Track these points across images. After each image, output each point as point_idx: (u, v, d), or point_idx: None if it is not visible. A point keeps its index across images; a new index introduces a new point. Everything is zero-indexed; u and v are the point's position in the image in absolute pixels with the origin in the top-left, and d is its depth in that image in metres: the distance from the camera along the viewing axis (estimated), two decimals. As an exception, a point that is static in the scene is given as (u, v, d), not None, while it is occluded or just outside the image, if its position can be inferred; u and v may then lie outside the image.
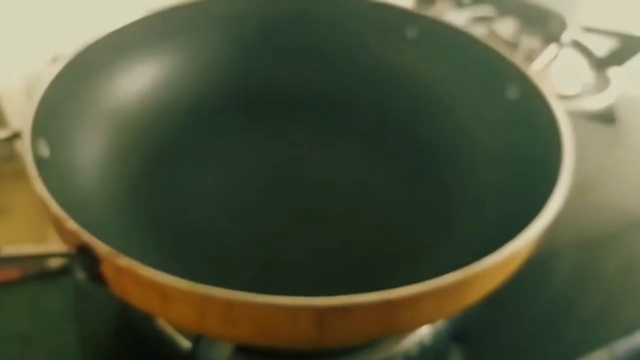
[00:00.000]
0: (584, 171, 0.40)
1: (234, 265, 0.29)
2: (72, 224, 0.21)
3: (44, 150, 0.26)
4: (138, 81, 0.35)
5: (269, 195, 0.33)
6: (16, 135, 0.28)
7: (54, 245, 0.32)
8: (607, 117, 0.48)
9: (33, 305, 0.31)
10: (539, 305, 0.32)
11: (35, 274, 0.32)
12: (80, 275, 0.21)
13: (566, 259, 0.36)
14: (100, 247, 0.20)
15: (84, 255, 0.21)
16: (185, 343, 0.27)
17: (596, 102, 0.48)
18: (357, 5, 0.38)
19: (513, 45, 0.47)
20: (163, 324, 0.28)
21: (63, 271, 0.32)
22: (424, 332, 0.29)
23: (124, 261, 0.20)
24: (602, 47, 0.51)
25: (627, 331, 0.31)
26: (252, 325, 0.20)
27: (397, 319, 0.20)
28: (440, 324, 0.30)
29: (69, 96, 0.30)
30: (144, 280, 0.20)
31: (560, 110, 0.28)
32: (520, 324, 0.31)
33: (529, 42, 0.47)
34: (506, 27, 0.50)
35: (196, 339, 0.26)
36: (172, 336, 0.28)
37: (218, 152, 0.35)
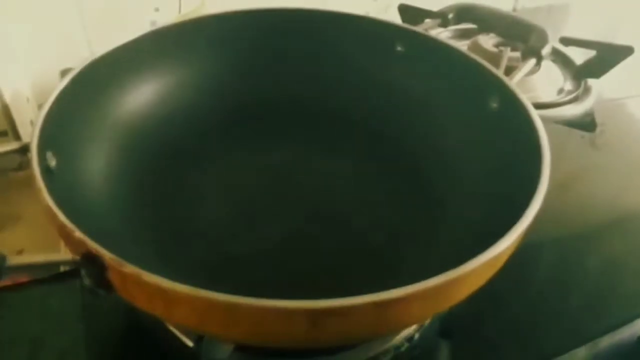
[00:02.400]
0: (565, 172, 0.41)
1: (233, 269, 0.29)
2: (78, 234, 0.21)
3: (51, 162, 0.26)
4: (142, 94, 0.35)
5: (265, 202, 0.33)
6: (26, 148, 0.28)
7: (61, 253, 0.32)
8: (586, 123, 0.48)
9: (43, 307, 0.31)
10: (523, 302, 0.32)
11: (45, 278, 0.32)
12: (88, 281, 0.21)
13: (549, 256, 0.36)
14: (106, 255, 0.20)
15: (91, 262, 0.20)
16: (189, 342, 0.27)
17: (576, 109, 0.48)
18: (349, 21, 0.39)
19: (496, 56, 0.47)
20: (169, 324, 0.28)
21: (72, 274, 0.32)
22: (412, 328, 0.29)
23: (129, 268, 0.20)
24: (582, 56, 0.52)
25: (610, 328, 0.31)
26: (251, 327, 0.20)
27: (387, 319, 0.21)
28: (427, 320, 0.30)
29: (76, 109, 0.30)
30: (149, 286, 0.20)
31: (538, 119, 0.29)
32: (504, 320, 0.31)
33: (511, 53, 0.47)
34: (489, 40, 0.50)
35: (198, 338, 0.26)
36: (178, 335, 0.28)
37: (219, 163, 0.35)
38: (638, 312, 0.32)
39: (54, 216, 0.22)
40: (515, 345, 0.30)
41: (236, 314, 0.19)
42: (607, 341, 0.31)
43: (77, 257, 0.21)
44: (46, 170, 0.25)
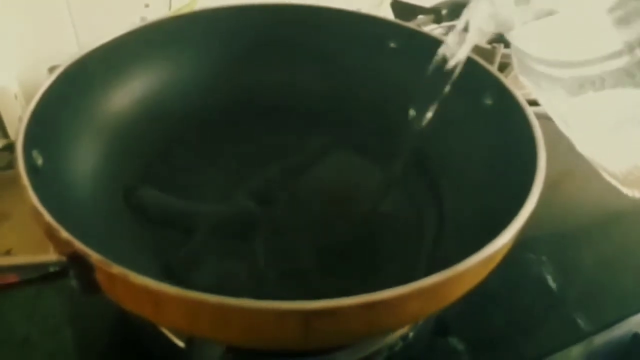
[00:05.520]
0: (559, 169, 0.41)
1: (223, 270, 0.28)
2: (64, 234, 0.20)
3: (38, 160, 0.25)
4: (131, 91, 0.34)
5: (257, 199, 0.33)
6: (12, 145, 0.27)
7: (50, 253, 0.32)
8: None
9: (32, 308, 0.31)
10: (517, 300, 0.32)
11: (34, 279, 0.32)
12: (75, 282, 0.21)
13: (543, 254, 0.35)
14: (93, 256, 0.19)
15: (78, 263, 0.20)
16: (180, 343, 0.27)
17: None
18: (341, 16, 0.38)
19: (489, 53, 0.47)
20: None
21: (61, 275, 0.32)
22: (407, 327, 0.29)
23: (117, 269, 0.19)
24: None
25: (604, 326, 0.31)
26: (242, 329, 0.20)
27: (381, 320, 0.20)
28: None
29: (63, 106, 0.29)
30: (137, 287, 0.19)
31: (533, 115, 0.28)
32: (499, 318, 0.31)
33: (505, 50, 0.46)
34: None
35: (189, 339, 0.25)
36: (168, 336, 0.27)
37: (209, 160, 0.35)
38: (632, 310, 0.32)
39: (39, 216, 0.21)
40: (510, 343, 0.30)
41: (226, 316, 0.19)
42: (601, 339, 0.31)
43: (64, 258, 0.21)
44: (32, 169, 0.24)
